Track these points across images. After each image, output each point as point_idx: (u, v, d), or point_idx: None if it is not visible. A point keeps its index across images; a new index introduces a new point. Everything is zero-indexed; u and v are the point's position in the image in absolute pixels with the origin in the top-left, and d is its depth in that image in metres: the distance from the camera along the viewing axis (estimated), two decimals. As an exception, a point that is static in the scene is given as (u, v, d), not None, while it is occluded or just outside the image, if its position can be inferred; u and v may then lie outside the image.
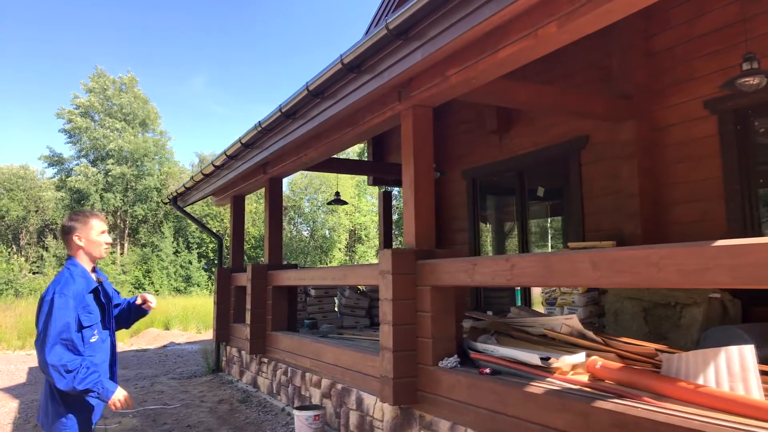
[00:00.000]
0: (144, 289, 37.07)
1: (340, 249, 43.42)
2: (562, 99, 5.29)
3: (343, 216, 42.76)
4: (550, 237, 7.82)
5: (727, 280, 2.35)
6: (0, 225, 43.30)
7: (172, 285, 38.74)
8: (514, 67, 3.76)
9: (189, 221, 40.85)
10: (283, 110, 4.99)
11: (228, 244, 10.45)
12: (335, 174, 31.24)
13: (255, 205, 40.28)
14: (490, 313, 7.75)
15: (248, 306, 7.35)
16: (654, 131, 5.66)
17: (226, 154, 6.72)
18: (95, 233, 2.99)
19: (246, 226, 38.25)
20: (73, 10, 67.69)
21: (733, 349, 2.93)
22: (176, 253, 40.71)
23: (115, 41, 71.68)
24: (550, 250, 7.33)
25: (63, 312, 2.74)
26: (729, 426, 2.41)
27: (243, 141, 6.02)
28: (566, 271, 3.08)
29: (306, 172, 25.63)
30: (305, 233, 44.89)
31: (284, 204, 43.19)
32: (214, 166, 7.39)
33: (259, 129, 5.56)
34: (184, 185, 8.98)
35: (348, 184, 40.52)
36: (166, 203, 10.27)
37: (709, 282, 2.42)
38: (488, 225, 8.62)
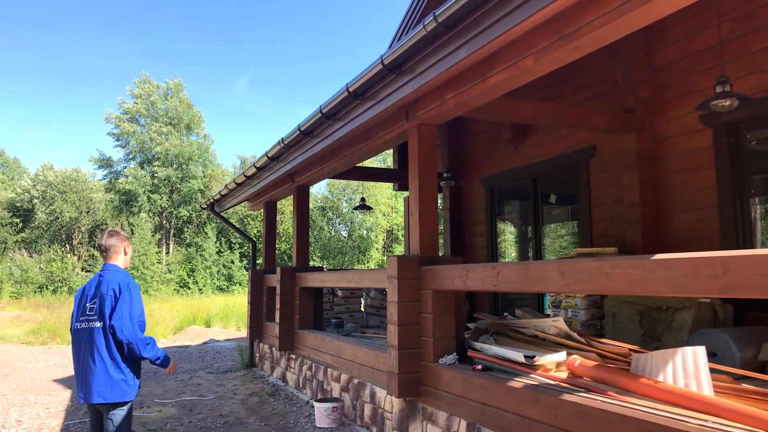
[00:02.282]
0: (189, 288, 38.43)
1: (377, 249, 43.99)
2: (563, 114, 5.63)
3: (381, 217, 43.31)
4: (565, 242, 8.11)
5: (661, 289, 2.70)
6: (54, 226, 45.47)
7: (215, 284, 40.05)
8: (503, 92, 4.15)
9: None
10: (302, 129, 5.50)
11: (261, 247, 11.05)
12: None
13: (294, 206, 41.08)
14: (506, 314, 8.10)
15: (277, 306, 7.89)
16: (655, 143, 5.93)
17: (255, 167, 7.30)
18: (131, 250, 4.03)
19: (286, 227, 39.30)
20: (119, 12, 70.37)
21: (688, 350, 3.26)
22: (219, 252, 42.01)
23: (160, 44, 74.19)
24: (559, 255, 7.61)
25: (138, 301, 3.72)
26: (668, 417, 2.76)
27: (269, 155, 6.57)
28: (540, 279, 3.46)
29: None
30: (343, 233, 45.63)
31: (323, 205, 44.20)
32: (245, 176, 7.98)
33: (282, 145, 6.09)
34: (219, 192, 9.62)
35: (385, 184, 41.02)
36: (204, 208, 10.94)
37: (649, 290, 2.77)
38: (505, 230, 8.95)
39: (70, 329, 3.85)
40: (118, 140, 47.41)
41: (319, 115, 5.02)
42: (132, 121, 46.80)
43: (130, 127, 46.29)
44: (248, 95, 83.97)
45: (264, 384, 8.21)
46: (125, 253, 3.90)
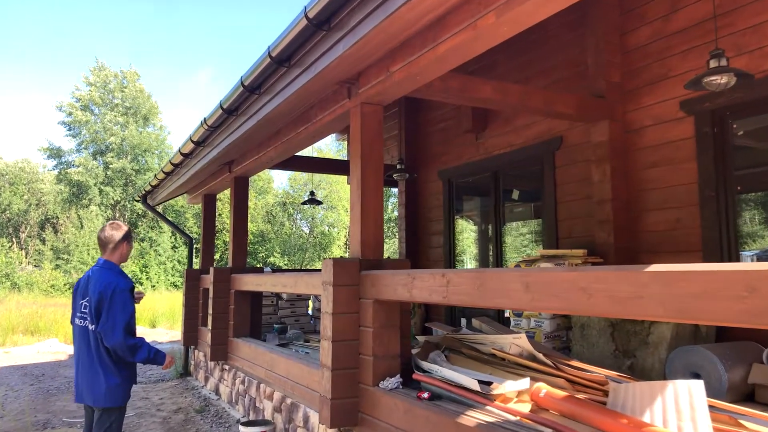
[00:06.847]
0: (141, 284, 36.90)
1: (339, 246, 43.10)
2: (530, 98, 4.92)
3: (343, 213, 42.44)
4: (527, 241, 7.47)
5: (659, 312, 2.01)
6: (1, 218, 43.19)
7: (169, 280, 38.56)
8: (457, 63, 3.43)
9: (187, 218, 40.69)
10: (224, 107, 4.67)
11: (199, 245, 10.16)
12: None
13: (254, 201, 40.14)
14: (464, 323, 7.43)
15: (210, 311, 7.04)
16: (628, 133, 5.31)
17: (181, 153, 6.40)
18: (131, 246, 3.96)
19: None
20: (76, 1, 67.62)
21: (682, 384, 2.59)
22: (174, 248, 40.52)
23: (119, 31, 71.58)
24: (520, 256, 6.96)
25: (125, 304, 3.51)
26: (663, 479, 2.08)
27: (193, 139, 5.70)
28: (498, 292, 2.76)
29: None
30: (305, 229, 44.58)
31: (284, 200, 43.05)
32: (172, 164, 7.07)
33: (206, 127, 5.24)
34: (150, 183, 8.68)
35: (345, 179, 40.19)
36: (137, 201, 9.97)
37: (642, 313, 2.08)
38: (465, 228, 8.28)
39: (71, 321, 3.79)
40: (69, 129, 45.26)
41: (241, 88, 4.20)
42: (85, 110, 44.71)
43: (83, 116, 44.22)
44: (211, 87, 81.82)
45: (194, 397, 7.34)
46: (124, 249, 3.80)
